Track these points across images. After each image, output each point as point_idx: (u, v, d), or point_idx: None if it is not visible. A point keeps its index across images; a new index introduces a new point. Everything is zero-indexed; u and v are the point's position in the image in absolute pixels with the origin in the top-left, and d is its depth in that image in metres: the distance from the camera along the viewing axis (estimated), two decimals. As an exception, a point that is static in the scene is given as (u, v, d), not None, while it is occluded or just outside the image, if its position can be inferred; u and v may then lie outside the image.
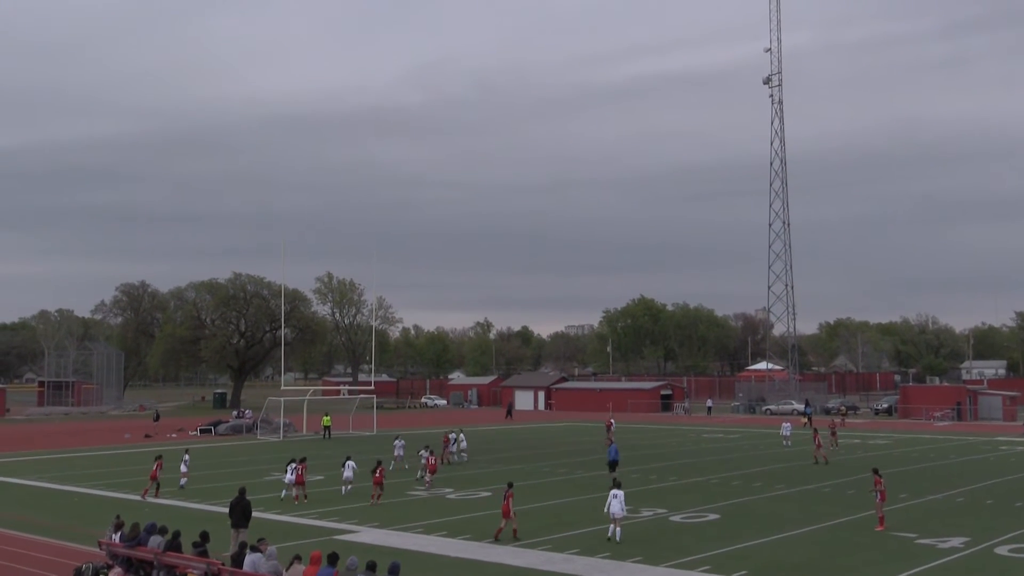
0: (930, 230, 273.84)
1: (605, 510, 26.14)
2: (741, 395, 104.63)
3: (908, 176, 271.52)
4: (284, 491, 34.25)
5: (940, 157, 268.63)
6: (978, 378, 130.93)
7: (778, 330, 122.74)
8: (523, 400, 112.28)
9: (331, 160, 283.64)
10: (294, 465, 33.80)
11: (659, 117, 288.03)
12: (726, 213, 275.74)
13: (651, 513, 29.85)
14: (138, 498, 34.08)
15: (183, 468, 37.11)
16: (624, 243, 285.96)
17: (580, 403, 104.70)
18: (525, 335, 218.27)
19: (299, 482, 33.04)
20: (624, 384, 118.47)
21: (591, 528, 27.14)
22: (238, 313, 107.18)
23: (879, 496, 27.73)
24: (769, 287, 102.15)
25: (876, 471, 29.03)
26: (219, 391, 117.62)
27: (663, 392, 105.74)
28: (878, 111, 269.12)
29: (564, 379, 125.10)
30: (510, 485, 26.65)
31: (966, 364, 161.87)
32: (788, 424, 55.59)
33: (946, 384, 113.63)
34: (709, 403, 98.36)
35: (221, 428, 68.78)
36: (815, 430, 48.36)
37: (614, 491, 25.94)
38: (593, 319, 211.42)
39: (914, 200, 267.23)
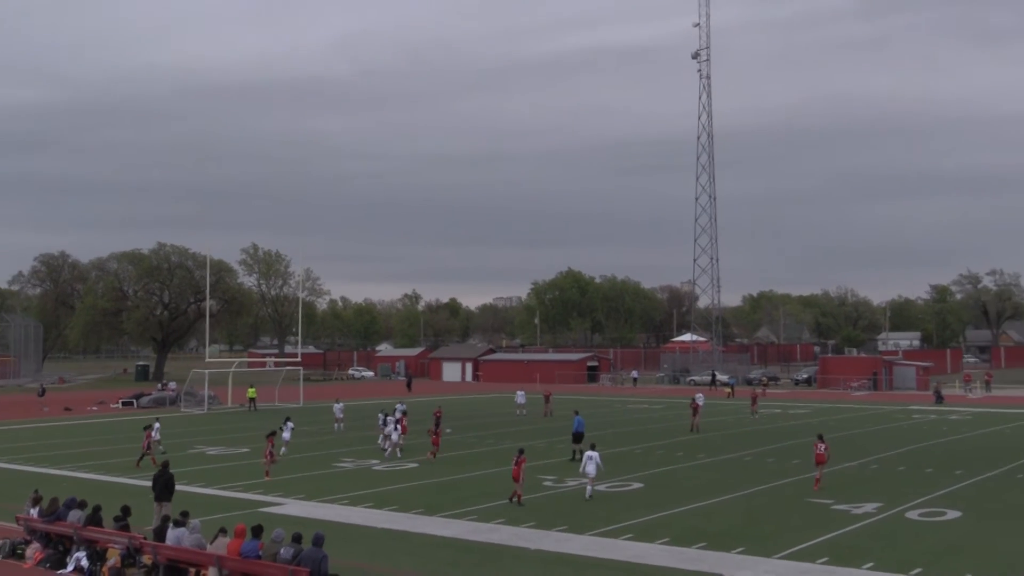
0: (851, 205, 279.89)
1: (580, 470, 27.95)
2: (666, 366, 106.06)
3: (831, 152, 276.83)
4: (385, 443, 38.51)
5: (862, 133, 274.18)
6: (894, 349, 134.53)
7: (703, 302, 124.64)
8: (451, 371, 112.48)
9: (259, 130, 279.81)
10: (386, 417, 39.44)
11: (589, 91, 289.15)
12: (654, 187, 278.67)
13: (576, 483, 30.22)
14: (56, 472, 33.56)
15: (155, 436, 36.91)
16: (553, 216, 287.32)
17: (508, 374, 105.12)
18: (453, 307, 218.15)
19: (268, 456, 32.45)
20: (551, 355, 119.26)
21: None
22: (161, 284, 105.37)
23: (816, 459, 29.10)
24: (695, 260, 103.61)
25: (820, 436, 30.44)
26: (142, 363, 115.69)
27: (590, 363, 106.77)
28: (804, 87, 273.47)
29: (492, 351, 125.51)
30: (521, 451, 27.59)
31: (883, 335, 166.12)
32: (701, 395, 56.42)
33: (863, 355, 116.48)
34: (635, 374, 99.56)
35: (143, 401, 67.78)
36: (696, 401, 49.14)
37: (589, 453, 27.65)
38: (521, 291, 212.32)
39: (836, 175, 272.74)
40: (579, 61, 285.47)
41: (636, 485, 29.95)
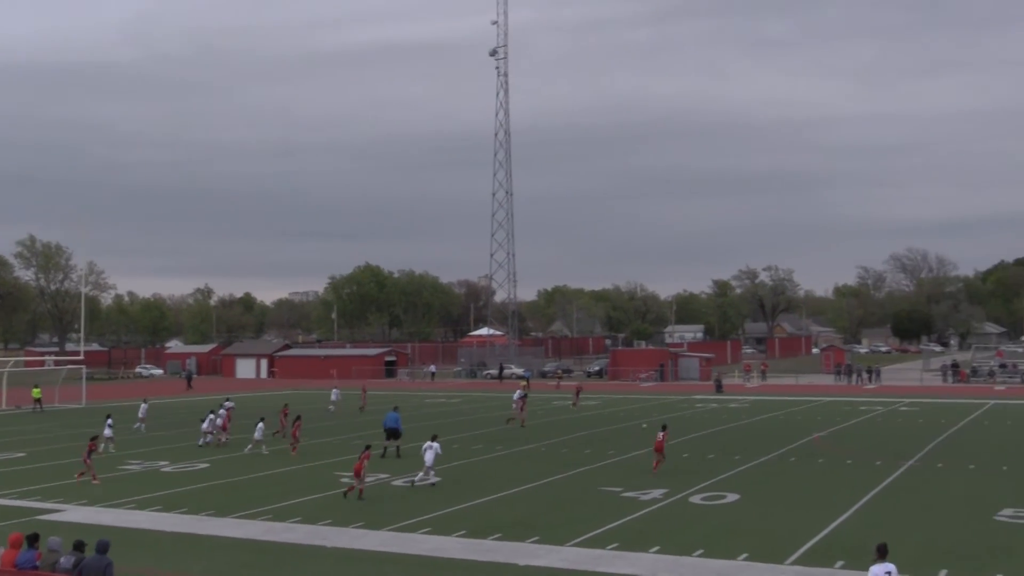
0: (640, 203, 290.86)
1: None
2: (463, 360, 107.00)
3: (621, 151, 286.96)
4: (204, 439, 39.74)
5: (650, 134, 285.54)
6: (679, 341, 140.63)
7: (499, 297, 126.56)
8: (245, 368, 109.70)
9: (36, 116, 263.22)
10: (212, 416, 40.13)
11: (388, 85, 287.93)
12: (452, 182, 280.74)
13: (373, 479, 30.15)
14: None
15: None
16: (350, 210, 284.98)
17: (304, 370, 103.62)
18: (247, 302, 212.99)
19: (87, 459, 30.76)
20: (349, 351, 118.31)
21: (313, 496, 27.12)
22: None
23: (655, 446, 30.77)
24: (491, 255, 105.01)
25: (664, 427, 32.41)
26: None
27: (387, 358, 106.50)
28: (595, 88, 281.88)
29: (288, 346, 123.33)
30: (367, 447, 27.99)
31: (669, 328, 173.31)
32: (520, 390, 57.28)
33: (651, 347, 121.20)
34: (432, 368, 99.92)
35: (-96, 404, 62.80)
36: (524, 396, 50.03)
37: (429, 443, 28.86)
38: (318, 286, 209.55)
39: (626, 173, 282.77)
40: (379, 54, 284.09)
41: (434, 479, 30.12)
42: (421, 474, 28.60)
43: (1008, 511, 23.73)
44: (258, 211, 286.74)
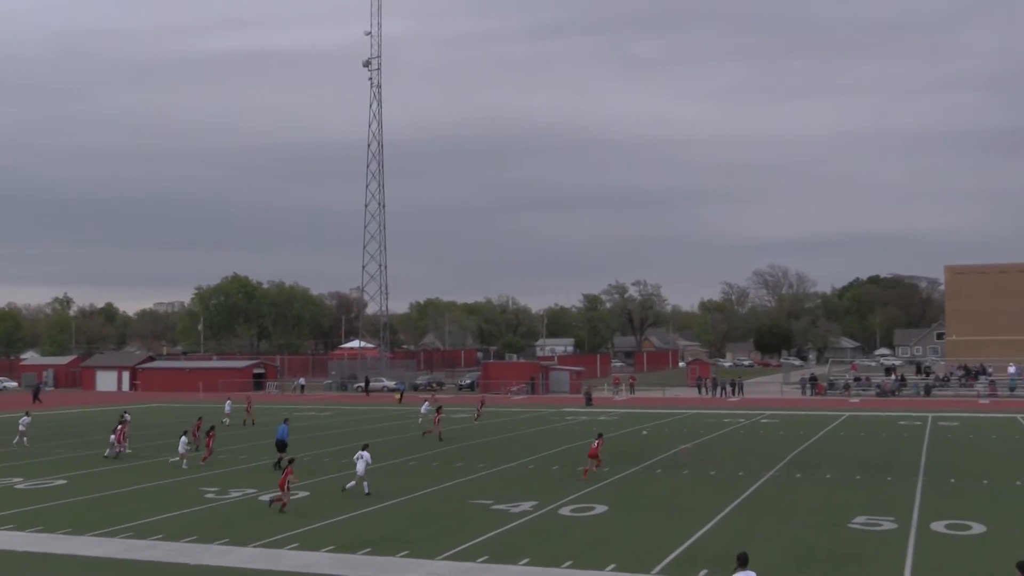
0: (512, 216, 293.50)
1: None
2: (334, 373, 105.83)
3: (494, 165, 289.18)
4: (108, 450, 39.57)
5: (523, 149, 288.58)
6: (550, 355, 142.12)
7: (371, 309, 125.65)
8: (106, 381, 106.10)
9: None
10: (120, 427, 40.01)
11: (260, 92, 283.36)
12: (324, 193, 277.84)
13: (240, 494, 29.55)
14: None
15: None
16: (219, 219, 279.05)
17: (169, 383, 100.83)
18: (109, 312, 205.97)
19: None
20: (216, 363, 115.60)
21: (177, 512, 26.40)
22: None
23: (590, 452, 32.56)
24: (364, 267, 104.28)
25: (600, 435, 34.30)
26: None
27: (256, 371, 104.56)
28: (469, 102, 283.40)
29: (151, 358, 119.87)
30: (291, 461, 28.98)
31: (540, 341, 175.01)
32: (427, 404, 56.67)
33: (522, 360, 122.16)
34: (301, 381, 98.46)
35: None
36: (440, 408, 49.83)
37: (359, 453, 29.47)
38: (184, 296, 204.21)
39: (500, 187, 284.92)
40: (251, 62, 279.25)
41: (302, 494, 29.67)
42: (353, 483, 28.99)
43: (861, 518, 24.76)
44: (122, 219, 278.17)
